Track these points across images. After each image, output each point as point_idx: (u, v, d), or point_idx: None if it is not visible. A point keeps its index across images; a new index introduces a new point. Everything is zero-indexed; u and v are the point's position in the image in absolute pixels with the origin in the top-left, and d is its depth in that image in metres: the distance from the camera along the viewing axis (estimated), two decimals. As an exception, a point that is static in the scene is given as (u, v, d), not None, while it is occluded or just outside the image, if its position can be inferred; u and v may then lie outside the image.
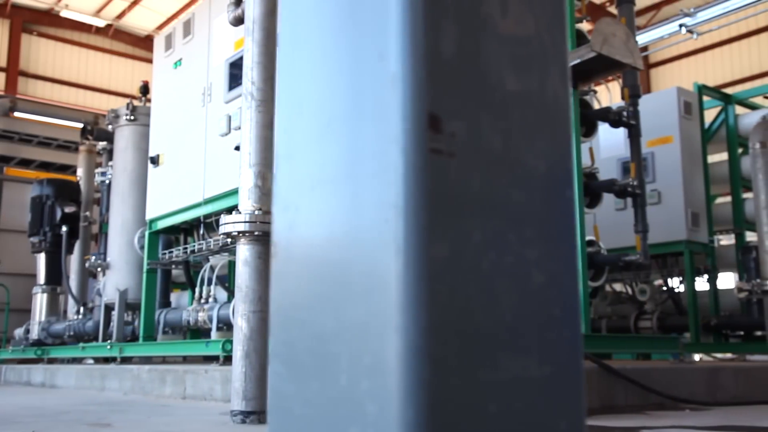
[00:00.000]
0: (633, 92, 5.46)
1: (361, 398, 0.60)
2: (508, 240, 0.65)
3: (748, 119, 7.73)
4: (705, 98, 7.96)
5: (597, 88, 12.06)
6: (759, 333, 6.90)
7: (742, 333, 7.61)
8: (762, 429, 3.33)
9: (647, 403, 4.43)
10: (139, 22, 21.64)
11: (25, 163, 11.52)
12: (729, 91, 9.22)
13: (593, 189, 5.47)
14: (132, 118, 7.40)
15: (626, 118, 5.45)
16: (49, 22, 20.92)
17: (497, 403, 0.61)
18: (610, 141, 8.03)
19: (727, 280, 8.29)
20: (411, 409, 0.56)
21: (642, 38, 12.18)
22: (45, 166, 11.54)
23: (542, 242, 0.67)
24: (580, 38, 5.19)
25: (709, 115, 8.21)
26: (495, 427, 0.60)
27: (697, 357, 8.86)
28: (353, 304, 0.63)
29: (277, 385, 0.67)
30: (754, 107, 8.14)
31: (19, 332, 8.72)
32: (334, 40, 0.68)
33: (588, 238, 5.37)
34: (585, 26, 5.57)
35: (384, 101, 0.62)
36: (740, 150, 7.89)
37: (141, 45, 21.00)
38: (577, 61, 4.54)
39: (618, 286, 8.59)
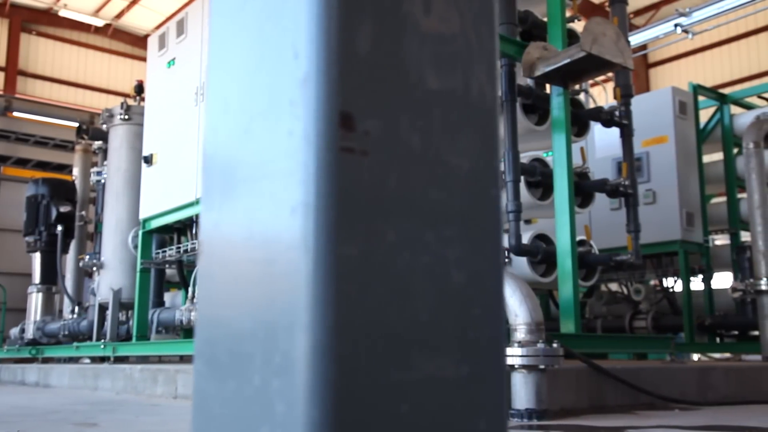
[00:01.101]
0: (625, 92, 5.47)
1: (271, 398, 0.60)
2: (425, 239, 0.64)
3: (743, 119, 7.73)
4: (700, 98, 7.97)
5: (593, 89, 12.12)
6: (754, 333, 6.90)
7: (736, 333, 7.62)
8: (747, 428, 3.32)
9: (637, 403, 4.43)
10: (137, 21, 21.65)
11: (22, 162, 11.53)
12: (729, 90, 9.20)
13: (585, 189, 5.48)
14: (126, 117, 7.40)
15: (618, 118, 5.46)
16: (48, 21, 20.93)
17: (409, 402, 0.60)
18: (605, 141, 8.04)
19: (723, 280, 8.27)
20: (315, 408, 0.56)
21: (638, 38, 12.17)
22: (42, 165, 11.55)
23: (463, 242, 0.66)
24: (572, 38, 5.19)
25: (705, 114, 8.22)
26: (407, 426, 0.60)
27: (695, 357, 8.86)
28: (267, 304, 0.62)
29: (200, 384, 0.67)
30: (749, 107, 8.14)
31: (14, 332, 8.73)
32: (258, 38, 0.68)
33: (579, 238, 5.37)
34: (578, 26, 5.56)
35: (298, 100, 0.62)
36: (735, 150, 7.89)
37: (140, 44, 21.01)
38: (567, 60, 4.53)
39: (614, 286, 8.60)
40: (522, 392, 3.62)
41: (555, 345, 3.70)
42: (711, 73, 19.33)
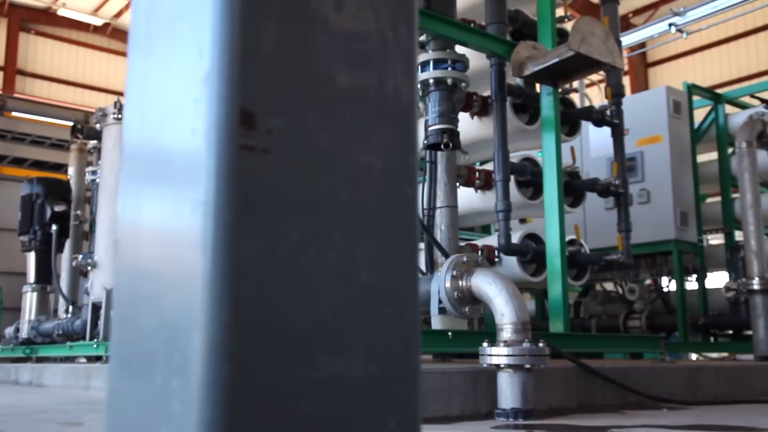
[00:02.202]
0: (616, 91, 5.46)
1: (170, 397, 0.59)
2: (332, 238, 0.64)
3: (737, 119, 7.72)
4: (695, 97, 7.96)
5: (588, 89, 12.04)
6: (747, 332, 6.89)
7: (730, 332, 7.61)
8: (732, 428, 3.32)
9: (626, 402, 4.43)
10: (136, 21, 21.59)
11: (19, 161, 11.54)
12: (730, 90, 9.18)
13: (576, 188, 5.47)
14: (120, 116, 7.40)
15: (609, 117, 5.45)
16: (46, 20, 20.95)
17: (311, 402, 0.60)
18: (599, 141, 8.03)
19: (718, 280, 8.27)
20: (208, 408, 0.56)
21: (633, 38, 12.17)
22: (38, 164, 11.56)
23: (374, 241, 0.66)
24: (563, 37, 5.18)
25: (700, 114, 8.21)
26: (309, 426, 0.60)
27: (693, 356, 8.85)
28: (171, 302, 0.62)
29: (113, 384, 0.67)
30: (743, 106, 8.13)
31: (9, 331, 8.74)
32: (169, 36, 0.67)
33: (570, 237, 5.36)
34: (569, 25, 5.54)
35: (201, 98, 0.62)
36: (730, 149, 7.88)
37: (138, 44, 20.95)
38: (556, 60, 4.53)
39: (610, 286, 8.60)
40: (508, 392, 3.62)
41: (541, 344, 3.70)
42: (710, 73, 19.31)
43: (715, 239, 9.38)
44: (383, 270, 0.66)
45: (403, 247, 0.68)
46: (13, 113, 11.62)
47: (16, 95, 16.69)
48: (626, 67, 20.64)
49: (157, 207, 0.66)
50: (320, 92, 0.65)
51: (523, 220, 8.11)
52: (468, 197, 5.49)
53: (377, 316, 0.65)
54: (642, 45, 15.66)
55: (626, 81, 20.55)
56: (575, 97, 12.08)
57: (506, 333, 3.70)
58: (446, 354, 6.21)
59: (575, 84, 11.21)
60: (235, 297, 0.58)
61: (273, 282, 0.60)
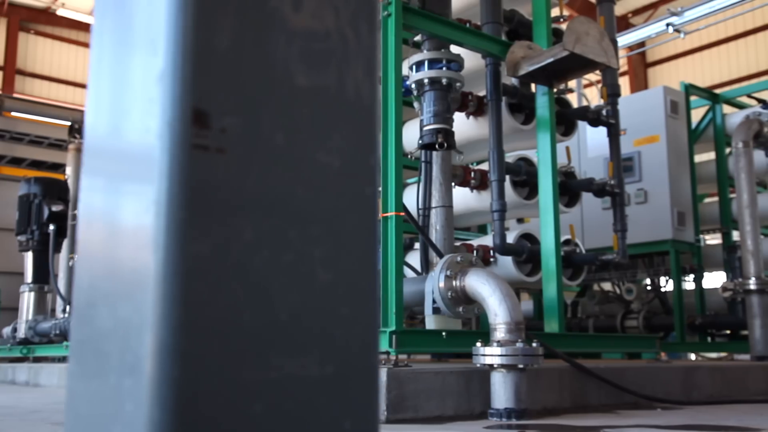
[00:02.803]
0: (612, 91, 5.46)
1: (123, 397, 0.59)
2: (288, 238, 0.64)
3: (735, 119, 7.71)
4: (693, 97, 7.95)
5: (586, 89, 12.02)
6: (744, 332, 6.88)
7: (728, 332, 7.60)
8: (725, 428, 3.32)
9: (621, 402, 4.43)
10: (136, 21, 21.59)
11: (17, 161, 11.54)
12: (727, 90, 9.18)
13: (571, 188, 5.47)
14: (116, 116, 7.39)
15: (605, 117, 5.45)
16: (46, 20, 20.94)
17: (265, 402, 0.60)
18: (597, 141, 8.02)
19: (716, 280, 8.27)
20: (158, 408, 0.56)
21: (629, 38, 12.15)
22: (36, 164, 11.56)
23: (332, 240, 0.66)
24: (558, 37, 5.17)
25: (698, 114, 8.20)
26: (262, 426, 0.60)
27: (692, 356, 8.85)
28: (124, 302, 0.62)
29: (71, 383, 0.67)
30: (741, 106, 8.12)
31: (6, 330, 8.74)
32: (128, 34, 0.67)
33: (565, 237, 5.36)
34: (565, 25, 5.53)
35: (155, 97, 0.62)
36: (728, 149, 7.87)
37: (138, 44, 20.95)
38: (551, 60, 4.53)
39: (608, 286, 8.60)
40: (501, 392, 3.61)
41: (534, 344, 3.69)
42: (710, 73, 19.29)
43: (714, 239, 9.37)
44: (341, 270, 0.66)
45: (362, 246, 0.67)
46: (12, 113, 11.62)
47: (15, 95, 16.70)
48: (626, 67, 20.63)
49: (114, 205, 0.66)
50: (277, 91, 0.64)
51: (520, 220, 8.11)
52: (464, 197, 5.48)
53: (334, 315, 0.65)
54: (641, 45, 15.65)
55: (626, 81, 20.54)
56: (573, 98, 12.07)
57: (499, 333, 3.70)
58: (443, 354, 6.21)
59: (573, 84, 11.21)
60: (186, 297, 0.58)
61: (226, 282, 0.60)
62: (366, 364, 0.66)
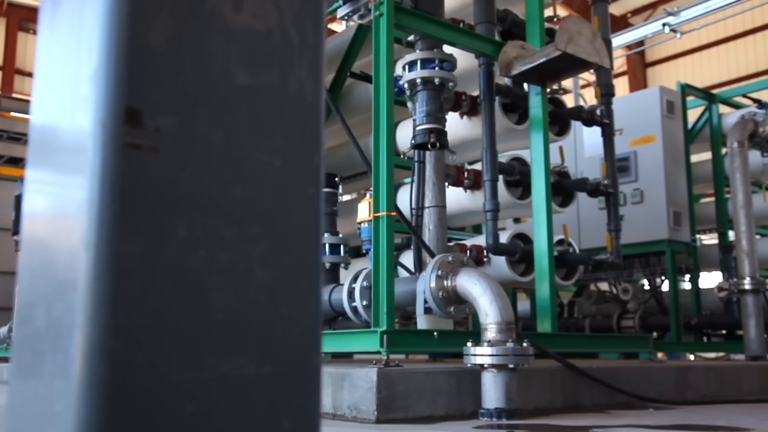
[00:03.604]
0: (606, 91, 5.45)
1: (54, 397, 0.59)
2: (224, 237, 0.64)
3: (731, 118, 7.71)
4: (689, 97, 7.94)
5: (583, 90, 12.00)
6: (740, 332, 6.87)
7: (724, 332, 7.60)
8: (715, 427, 3.31)
9: (614, 402, 4.42)
10: (135, 21, 21.59)
11: (14, 161, 11.55)
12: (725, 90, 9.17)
13: (565, 188, 5.47)
14: (112, 116, 7.40)
15: (599, 117, 5.44)
16: (45, 21, 20.86)
17: (198, 402, 0.60)
18: (593, 141, 8.02)
19: (712, 280, 8.26)
20: (85, 408, 0.56)
21: (627, 37, 12.14)
22: (34, 164, 11.54)
23: (271, 240, 0.66)
24: (552, 37, 5.16)
25: (695, 114, 8.19)
26: (194, 426, 0.59)
27: (691, 357, 8.84)
28: (58, 302, 0.62)
29: (12, 384, 0.67)
30: (737, 106, 8.11)
31: (3, 330, 8.75)
32: (67, 33, 0.67)
33: (558, 237, 5.36)
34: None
35: (89, 96, 0.62)
36: (724, 149, 7.87)
37: (137, 44, 20.94)
38: (543, 59, 4.52)
39: (605, 286, 8.60)
40: (491, 392, 3.61)
41: (525, 344, 3.69)
42: (709, 73, 19.27)
43: (711, 239, 9.37)
44: (280, 269, 0.66)
45: (304, 246, 0.67)
46: (10, 113, 11.63)
47: (14, 95, 16.70)
48: (625, 67, 20.61)
49: (53, 204, 0.66)
50: (215, 90, 0.64)
51: (517, 220, 8.11)
52: (457, 197, 5.48)
53: (273, 315, 0.64)
54: (640, 44, 15.64)
55: (625, 81, 20.53)
56: (570, 98, 12.07)
57: (490, 333, 3.69)
58: (439, 354, 6.21)
59: (569, 85, 11.21)
60: (116, 296, 0.58)
61: (159, 281, 0.60)
62: (306, 363, 0.65)
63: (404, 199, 5.18)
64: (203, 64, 0.64)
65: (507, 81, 5.15)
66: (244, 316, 0.63)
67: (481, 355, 3.63)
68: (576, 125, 5.86)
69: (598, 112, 5.41)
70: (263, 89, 0.67)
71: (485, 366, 3.63)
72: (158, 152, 0.61)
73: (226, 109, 0.65)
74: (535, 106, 4.92)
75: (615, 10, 19.88)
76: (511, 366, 3.61)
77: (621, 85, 20.25)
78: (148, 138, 0.60)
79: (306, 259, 0.67)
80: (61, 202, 0.64)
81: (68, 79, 0.66)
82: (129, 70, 0.60)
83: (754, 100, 7.59)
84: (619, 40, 11.87)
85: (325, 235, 4.90)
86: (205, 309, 0.61)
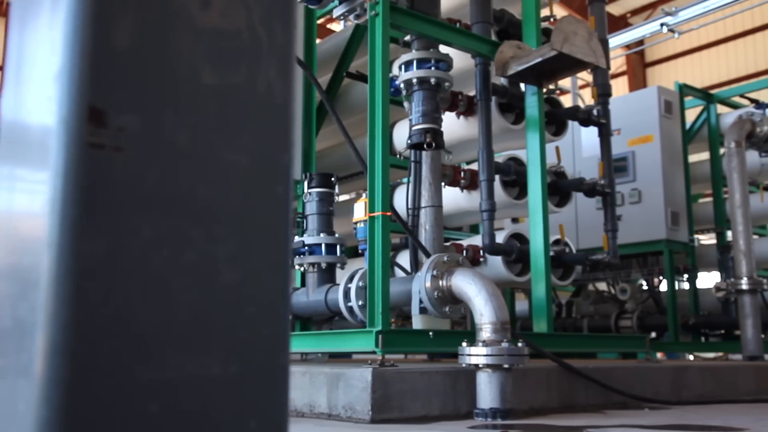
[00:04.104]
0: (603, 91, 5.45)
1: (17, 397, 0.59)
2: (190, 237, 0.63)
3: (729, 118, 7.70)
4: (687, 97, 7.94)
5: (582, 90, 11.99)
6: (738, 332, 6.86)
7: (722, 332, 7.60)
8: (709, 427, 3.31)
9: (609, 402, 4.42)
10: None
11: None
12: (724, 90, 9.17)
13: (562, 188, 5.46)
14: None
15: (596, 117, 5.44)
16: (45, 21, 20.92)
17: (162, 402, 0.59)
18: (591, 141, 8.01)
19: (710, 280, 8.26)
20: (45, 407, 0.55)
21: (625, 37, 12.14)
22: (33, 164, 11.55)
23: (238, 239, 0.66)
24: (549, 37, 5.16)
25: (693, 114, 8.19)
26: (159, 427, 0.59)
27: (690, 357, 8.84)
28: (22, 302, 0.62)
29: (-21, 384, 0.67)
30: (735, 106, 8.11)
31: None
32: (34, 32, 0.67)
33: (555, 237, 5.36)
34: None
35: (53, 95, 0.62)
36: (722, 149, 7.86)
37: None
38: (539, 59, 4.52)
39: (603, 286, 8.59)
40: (486, 392, 3.61)
41: (520, 344, 3.69)
42: (708, 73, 19.26)
43: (709, 239, 9.36)
44: (247, 269, 0.65)
45: (272, 246, 0.67)
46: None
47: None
48: (624, 67, 20.60)
49: (18, 203, 0.66)
50: (182, 90, 0.64)
51: (515, 220, 8.11)
52: (454, 197, 5.48)
53: (239, 315, 0.64)
54: (639, 44, 15.63)
55: (624, 81, 20.52)
56: (568, 98, 12.07)
57: (485, 333, 3.69)
58: (437, 354, 6.21)
59: (568, 85, 11.20)
60: (78, 296, 0.57)
61: (122, 281, 0.60)
62: (274, 363, 0.65)
63: (401, 199, 5.18)
64: (169, 64, 0.64)
65: (503, 81, 5.15)
66: (210, 316, 0.63)
67: (476, 355, 3.62)
68: (575, 125, 5.85)
69: (594, 112, 5.41)
70: (231, 89, 0.66)
71: (480, 366, 3.62)
72: (122, 152, 0.60)
73: (192, 108, 0.65)
74: (532, 106, 4.92)
75: (615, 10, 19.88)
76: (506, 366, 3.60)
77: (621, 85, 20.24)
78: (112, 137, 0.60)
79: (274, 259, 0.67)
80: (27, 202, 0.64)
81: (36, 78, 0.66)
82: (92, 69, 0.60)
83: (752, 100, 7.58)
84: (617, 40, 11.87)
85: (322, 234, 4.90)
86: (170, 309, 0.61)
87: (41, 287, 0.58)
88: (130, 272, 0.61)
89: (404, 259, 5.24)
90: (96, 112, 0.60)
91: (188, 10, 0.64)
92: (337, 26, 11.47)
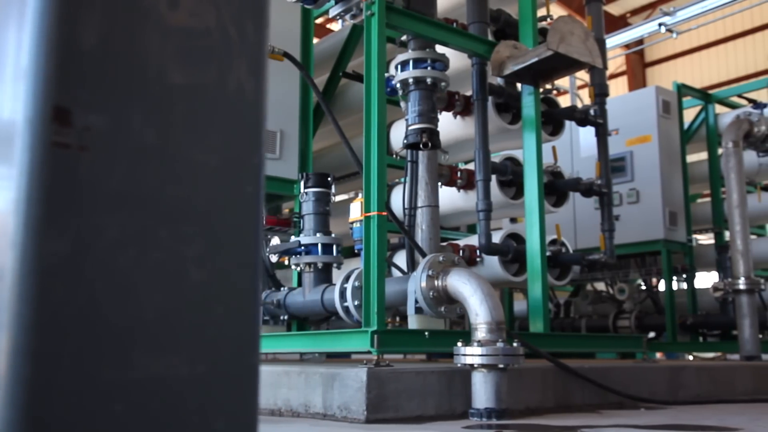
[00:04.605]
0: (600, 91, 5.45)
1: (-18, 397, 0.59)
2: (157, 236, 0.63)
3: (727, 118, 7.70)
4: (686, 97, 7.94)
5: (581, 90, 11.99)
6: (735, 332, 6.86)
7: (720, 332, 7.59)
8: (704, 427, 3.31)
9: (606, 402, 4.41)
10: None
11: None
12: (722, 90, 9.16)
13: (558, 188, 5.46)
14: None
15: (593, 117, 5.44)
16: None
17: (127, 402, 0.59)
18: (590, 141, 8.01)
19: (709, 280, 8.26)
20: (8, 408, 0.55)
21: (623, 37, 12.14)
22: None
23: (207, 239, 0.65)
24: (546, 37, 5.15)
25: (691, 114, 8.18)
26: (124, 426, 0.59)
27: (690, 357, 8.84)
28: (-11, 301, 0.62)
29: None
30: (734, 106, 8.11)
31: None
32: (4, 32, 0.67)
33: (551, 237, 5.35)
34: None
35: (19, 95, 0.61)
36: (720, 149, 7.86)
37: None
38: (535, 59, 4.52)
39: (601, 286, 8.59)
40: (481, 391, 3.60)
41: (515, 344, 3.68)
42: (708, 73, 19.25)
43: (708, 239, 9.35)
44: (216, 269, 0.65)
45: (242, 246, 0.67)
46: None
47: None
48: (624, 67, 20.59)
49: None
50: (150, 89, 0.64)
51: (514, 220, 8.10)
52: (451, 197, 5.48)
53: (207, 315, 0.64)
54: (639, 44, 15.62)
55: (624, 81, 20.51)
56: (567, 98, 12.07)
57: (480, 333, 3.69)
58: (435, 354, 6.20)
59: (567, 85, 11.20)
60: (41, 296, 0.57)
61: (86, 281, 0.60)
62: (243, 363, 0.65)
63: (398, 199, 5.18)
64: (137, 63, 0.64)
65: (500, 81, 5.14)
66: (178, 316, 0.63)
67: (471, 355, 3.62)
68: (573, 126, 5.85)
69: (591, 111, 5.40)
70: (200, 88, 0.66)
71: (475, 366, 3.62)
72: (87, 151, 0.60)
73: (160, 108, 0.64)
74: (528, 105, 4.92)
75: (614, 10, 19.88)
76: (501, 366, 3.60)
77: (620, 84, 20.24)
78: (77, 137, 0.60)
79: (244, 259, 0.67)
80: (-4, 201, 0.64)
81: (4, 78, 0.66)
82: (58, 68, 0.60)
83: (750, 100, 7.58)
84: (616, 39, 11.86)
85: (318, 234, 4.90)
86: (136, 309, 0.61)
87: (4, 287, 0.58)
88: (96, 272, 0.61)
89: (402, 259, 5.24)
90: (61, 111, 0.59)
91: (157, 10, 0.64)
92: (336, 26, 11.45)
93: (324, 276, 4.96)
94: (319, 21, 6.35)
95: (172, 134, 0.65)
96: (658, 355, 9.18)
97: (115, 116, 0.62)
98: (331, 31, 13.17)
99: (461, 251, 5.32)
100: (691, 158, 7.97)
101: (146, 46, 0.64)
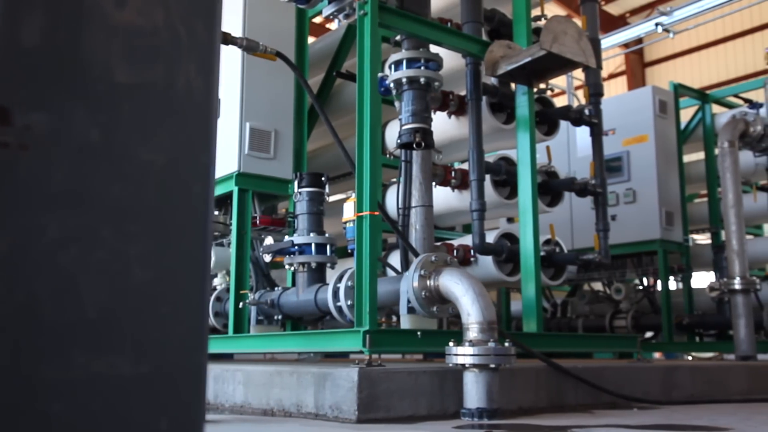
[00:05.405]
0: (594, 91, 5.44)
1: None
2: (101, 235, 0.63)
3: (724, 118, 7.70)
4: (682, 97, 7.93)
5: (578, 91, 11.99)
6: (731, 332, 6.86)
7: (716, 332, 7.59)
8: (694, 427, 3.30)
9: (599, 402, 4.41)
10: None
11: None
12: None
13: (553, 187, 5.46)
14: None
15: (588, 117, 5.43)
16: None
17: (66, 401, 0.59)
18: (586, 141, 8.00)
19: (705, 279, 8.25)
20: (-58, 407, 0.55)
21: (620, 37, 12.13)
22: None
23: (152, 238, 0.65)
24: (540, 36, 5.15)
25: (688, 114, 8.18)
26: (63, 426, 0.59)
27: (690, 357, 8.84)
28: (-71, 301, 0.62)
29: None
30: (730, 106, 8.10)
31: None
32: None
33: (546, 237, 5.35)
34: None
35: (-40, 93, 0.61)
36: (717, 149, 7.85)
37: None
38: (528, 59, 4.51)
39: (598, 286, 8.59)
40: (473, 391, 3.60)
41: (507, 344, 3.68)
42: (707, 73, 19.24)
43: (705, 239, 9.35)
44: (161, 268, 0.65)
45: (189, 245, 0.67)
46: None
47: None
48: (623, 67, 20.58)
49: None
50: (93, 88, 0.64)
51: (510, 220, 8.10)
52: (445, 197, 5.47)
53: (152, 314, 0.64)
54: (638, 44, 15.61)
55: (623, 80, 20.49)
56: (564, 98, 12.05)
57: (472, 332, 3.68)
58: (431, 354, 6.20)
59: (564, 85, 11.19)
60: (-22, 295, 0.57)
61: (26, 279, 0.59)
62: (188, 362, 0.65)
63: (393, 199, 5.18)
64: (80, 62, 0.63)
65: (494, 80, 5.14)
66: (121, 315, 0.63)
67: (462, 354, 3.61)
68: (571, 126, 5.84)
69: (586, 111, 5.40)
70: (147, 87, 0.66)
71: (467, 366, 3.62)
72: (28, 150, 0.60)
73: (105, 106, 0.64)
74: (522, 105, 4.92)
75: (614, 10, 19.87)
76: (493, 366, 3.60)
77: (620, 84, 20.22)
78: (18, 135, 0.60)
79: (191, 259, 0.67)
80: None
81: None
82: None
83: (746, 100, 7.57)
84: (613, 39, 11.86)
85: (312, 234, 4.90)
86: (77, 307, 0.61)
87: (-57, 286, 0.58)
88: (35, 270, 0.60)
89: (397, 259, 5.23)
90: (1, 110, 0.59)
91: (102, 9, 0.64)
92: (334, 26, 11.44)
93: (318, 276, 4.96)
94: (318, 21, 6.33)
95: (117, 133, 0.65)
96: (657, 355, 9.18)
97: (57, 115, 0.62)
98: (330, 30, 13.16)
99: (455, 251, 5.31)
100: (687, 158, 7.96)
101: (90, 44, 0.64)
